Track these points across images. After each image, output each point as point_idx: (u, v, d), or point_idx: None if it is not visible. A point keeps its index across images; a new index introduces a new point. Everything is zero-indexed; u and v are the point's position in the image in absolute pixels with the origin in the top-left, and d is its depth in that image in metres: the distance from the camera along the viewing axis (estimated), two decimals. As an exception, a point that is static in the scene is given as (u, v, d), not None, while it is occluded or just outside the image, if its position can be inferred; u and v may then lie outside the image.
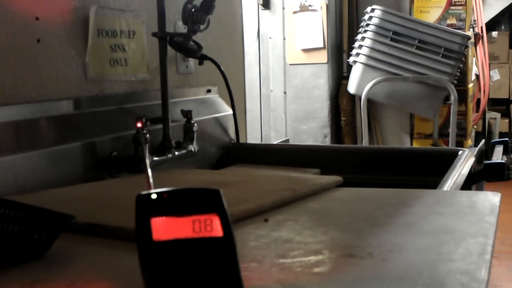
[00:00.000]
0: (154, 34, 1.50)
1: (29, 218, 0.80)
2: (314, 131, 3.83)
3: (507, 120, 6.66)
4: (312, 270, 0.73)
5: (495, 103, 6.33)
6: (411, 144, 3.95)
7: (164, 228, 0.54)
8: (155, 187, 1.08)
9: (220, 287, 0.51)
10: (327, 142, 3.84)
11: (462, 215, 0.98)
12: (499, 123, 6.10)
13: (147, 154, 0.69)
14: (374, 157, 1.84)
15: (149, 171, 0.63)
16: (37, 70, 1.31)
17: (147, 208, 0.55)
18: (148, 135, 1.42)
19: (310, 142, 3.80)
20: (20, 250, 0.78)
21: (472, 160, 1.66)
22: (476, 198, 1.11)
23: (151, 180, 0.61)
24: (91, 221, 0.90)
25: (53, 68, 1.35)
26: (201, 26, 1.49)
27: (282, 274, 0.72)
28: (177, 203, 0.56)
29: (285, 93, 3.88)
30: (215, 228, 0.55)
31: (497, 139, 2.06)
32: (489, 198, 1.09)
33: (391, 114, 3.92)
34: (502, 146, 1.96)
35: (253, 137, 3.85)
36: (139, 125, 0.76)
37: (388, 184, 1.62)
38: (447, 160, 1.68)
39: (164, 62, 1.51)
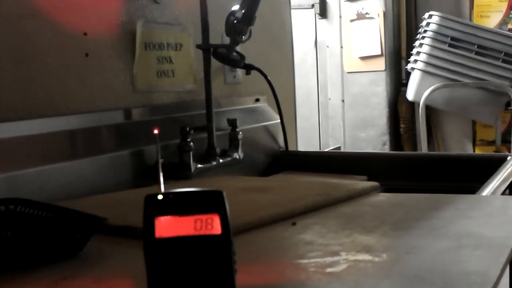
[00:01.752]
0: (198, 46, 1.55)
1: (64, 220, 0.86)
2: (372, 138, 3.82)
3: None
4: (325, 270, 0.75)
5: None
6: (474, 151, 3.88)
7: (167, 226, 0.58)
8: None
9: (213, 282, 0.55)
10: (386, 149, 3.82)
11: (489, 219, 0.98)
12: None
13: (159, 158, 0.73)
14: (421, 164, 1.83)
15: (161, 175, 0.67)
16: (86, 82, 1.38)
17: (153, 208, 0.59)
18: (192, 143, 1.47)
19: (369, 149, 3.79)
20: (55, 249, 0.83)
21: (521, 166, 1.64)
22: (510, 203, 1.10)
23: (162, 183, 0.66)
24: (124, 223, 0.95)
25: (102, 80, 1.42)
26: (243, 37, 1.54)
27: (295, 274, 0.75)
28: (182, 204, 0.60)
29: (343, 101, 3.89)
30: (215, 226, 0.59)
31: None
32: (523, 203, 1.08)
33: (452, 120, 3.86)
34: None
35: (312, 144, 3.87)
36: (156, 131, 0.80)
37: (430, 190, 1.61)
38: (495, 166, 1.66)
39: (208, 72, 1.56)
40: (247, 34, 1.54)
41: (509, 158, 1.71)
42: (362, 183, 1.31)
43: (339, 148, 2.61)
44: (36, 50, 1.27)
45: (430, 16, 3.48)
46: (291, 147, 2.06)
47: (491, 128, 3.74)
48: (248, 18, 1.50)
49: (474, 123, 3.84)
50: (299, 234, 0.94)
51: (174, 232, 0.57)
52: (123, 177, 1.41)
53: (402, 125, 3.85)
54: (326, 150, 2.55)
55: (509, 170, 1.53)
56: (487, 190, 1.33)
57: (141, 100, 1.54)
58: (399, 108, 3.85)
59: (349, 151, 3.45)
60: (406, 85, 3.76)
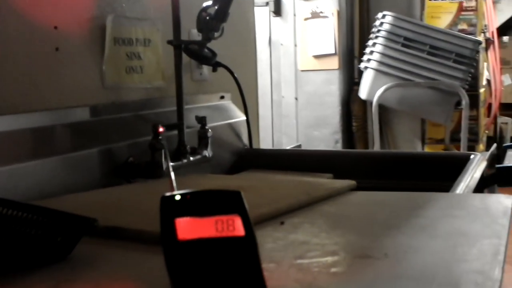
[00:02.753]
0: (169, 42, 1.52)
1: (52, 222, 0.82)
2: (326, 137, 3.85)
3: (519, 125, 6.64)
4: (329, 271, 0.74)
5: (507, 108, 6.30)
6: (423, 149, 3.96)
7: (188, 228, 0.56)
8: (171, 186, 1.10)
9: (243, 285, 0.53)
10: (339, 147, 3.86)
11: (475, 218, 1.00)
12: (511, 128, 6.08)
13: (169, 159, 0.71)
14: (386, 162, 1.85)
15: (172, 174, 0.65)
16: (55, 78, 1.33)
17: (172, 209, 0.57)
18: (164, 141, 1.44)
19: (321, 148, 3.82)
20: (43, 253, 0.80)
21: (484, 164, 1.67)
22: (489, 201, 1.12)
23: (174, 183, 0.63)
24: (112, 224, 0.92)
25: (71, 76, 1.37)
26: (215, 33, 1.51)
27: (300, 274, 0.73)
28: (200, 204, 0.58)
29: (296, 99, 3.91)
30: (237, 228, 0.57)
31: (509, 143, 2.06)
32: (501, 201, 1.10)
33: (403, 119, 3.93)
34: (514, 150, 1.96)
35: (265, 143, 3.87)
36: (161, 129, 0.78)
37: (401, 188, 1.62)
38: (459, 164, 1.69)
39: (179, 69, 1.53)
40: (220, 31, 1.52)
41: (472, 156, 1.74)
42: (339, 182, 1.31)
43: (299, 146, 2.62)
44: (4, 44, 1.22)
45: (384, 16, 3.52)
46: (254, 145, 2.05)
47: (441, 127, 3.82)
48: (221, 14, 1.48)
49: (423, 122, 3.92)
50: (291, 234, 0.93)
51: (196, 234, 0.55)
52: (93, 177, 1.37)
53: (354, 124, 3.89)
54: (288, 148, 2.55)
55: (477, 168, 1.56)
56: (459, 188, 1.35)
57: (110, 97, 1.50)
58: (351, 107, 3.90)
59: (312, 149, 3.46)
60: (358, 84, 3.80)
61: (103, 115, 1.46)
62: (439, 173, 1.74)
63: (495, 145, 2.20)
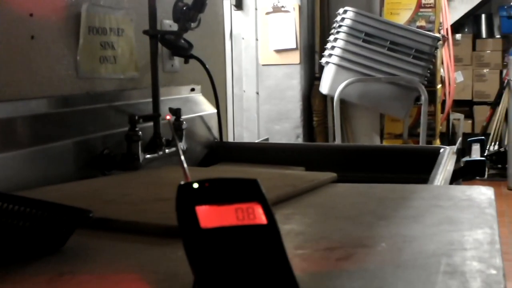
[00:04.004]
0: (145, 32, 1.50)
1: (46, 213, 0.80)
2: (287, 131, 3.86)
3: (470, 121, 6.79)
4: (333, 260, 0.74)
5: (459, 105, 6.45)
6: (381, 143, 4.01)
7: (209, 216, 0.55)
8: (153, 185, 1.09)
9: (270, 273, 0.52)
10: (300, 142, 3.87)
11: (463, 208, 1.01)
12: (463, 124, 6.22)
13: (179, 145, 0.69)
14: (358, 155, 1.87)
15: (185, 163, 0.63)
16: (31, 67, 1.30)
17: (191, 197, 0.56)
18: (140, 132, 1.42)
19: (283, 142, 3.83)
20: (37, 245, 0.77)
21: (454, 157, 1.70)
22: (471, 192, 1.13)
23: (187, 170, 0.62)
24: (102, 216, 0.89)
25: (47, 65, 1.34)
26: (192, 24, 1.50)
27: (305, 264, 0.73)
28: (219, 192, 0.57)
29: (257, 93, 3.90)
30: (258, 216, 0.56)
31: (473, 138, 2.10)
32: (484, 192, 1.12)
33: (362, 114, 3.97)
34: (478, 144, 2.00)
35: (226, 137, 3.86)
36: (168, 117, 0.76)
37: (375, 181, 1.65)
38: (429, 158, 1.72)
39: (155, 59, 1.51)
40: (197, 22, 1.50)
41: (441, 150, 1.77)
42: (320, 174, 1.31)
43: (267, 139, 2.62)
44: (-21, 30, 1.18)
45: (345, 12, 3.55)
46: (224, 139, 2.04)
47: (399, 122, 3.88)
48: (199, 4, 1.46)
49: (382, 117, 3.97)
50: (285, 225, 0.92)
51: (217, 222, 0.54)
52: (68, 168, 1.34)
53: (315, 118, 3.92)
54: (257, 141, 2.55)
55: (449, 161, 1.58)
56: (436, 180, 1.37)
57: (84, 87, 1.47)
58: (312, 102, 3.92)
59: (282, 142, 3.47)
60: (319, 79, 3.82)
61: (78, 106, 1.43)
62: (411, 166, 1.76)
63: (460, 139, 2.24)
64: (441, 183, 1.36)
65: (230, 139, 3.85)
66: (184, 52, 1.56)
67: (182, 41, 1.54)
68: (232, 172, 1.38)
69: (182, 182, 0.58)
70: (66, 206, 0.80)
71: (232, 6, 3.82)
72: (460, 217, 0.95)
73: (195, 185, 0.57)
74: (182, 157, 0.63)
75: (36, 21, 1.29)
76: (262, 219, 0.56)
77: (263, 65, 3.85)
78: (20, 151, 1.22)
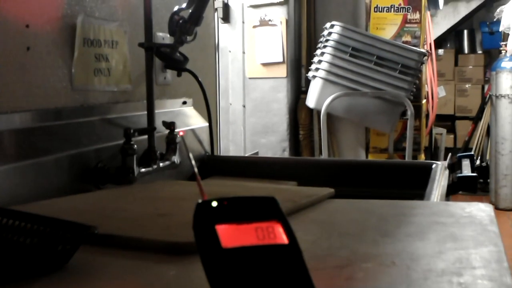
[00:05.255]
0: (140, 45, 1.49)
1: (50, 229, 0.78)
2: (273, 144, 3.85)
3: (452, 136, 6.86)
4: (343, 278, 0.73)
5: (441, 119, 6.50)
6: (366, 158, 4.02)
7: (230, 235, 0.54)
8: (150, 200, 1.07)
9: (294, 293, 0.51)
10: (286, 155, 3.86)
11: (465, 225, 1.01)
12: (445, 139, 6.27)
13: (194, 163, 0.68)
14: (349, 170, 1.86)
15: (199, 178, 0.62)
16: (26, 78, 1.28)
17: (210, 216, 0.55)
18: (135, 146, 1.40)
19: (269, 155, 3.82)
20: (42, 262, 0.76)
21: (447, 172, 1.71)
22: (471, 209, 1.14)
23: (202, 187, 0.61)
24: (103, 232, 0.88)
25: (42, 77, 1.32)
26: (188, 37, 1.49)
27: (315, 282, 0.72)
28: (238, 211, 0.56)
29: (244, 106, 3.90)
30: (278, 235, 0.55)
31: (463, 153, 2.10)
32: (483, 209, 1.12)
33: (348, 128, 3.98)
34: (468, 160, 2.01)
35: (211, 150, 3.84)
36: (181, 133, 0.75)
37: (369, 196, 1.65)
38: (422, 173, 1.72)
39: (150, 72, 1.50)
40: (193, 35, 1.49)
41: (434, 166, 1.77)
42: (317, 189, 1.30)
43: (257, 153, 2.61)
44: (-25, 41, 1.16)
45: (332, 26, 3.56)
46: (215, 152, 2.03)
47: (384, 136, 3.89)
48: (195, 18, 1.46)
49: (368, 131, 3.98)
50: (289, 241, 0.91)
51: (238, 241, 0.53)
52: (62, 182, 1.32)
53: (301, 132, 3.92)
54: (247, 155, 2.54)
55: (442, 177, 1.58)
56: (432, 196, 1.37)
57: (79, 99, 1.45)
58: (298, 115, 3.92)
59: (273, 156, 3.46)
60: (305, 92, 3.82)
61: (72, 119, 1.41)
62: (403, 182, 1.77)
63: (450, 154, 2.26)
64: (438, 199, 1.37)
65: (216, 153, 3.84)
66: (180, 65, 1.56)
67: (178, 54, 1.53)
68: (227, 187, 1.36)
69: (200, 200, 0.57)
70: (69, 222, 0.79)
71: (219, 19, 3.82)
72: (463, 234, 0.95)
73: (214, 203, 0.56)
74: (197, 174, 0.62)
75: (32, 33, 1.28)
76: (283, 238, 0.55)
77: (249, 78, 3.85)
78: (12, 164, 1.20)
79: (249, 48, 3.81)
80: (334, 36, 3.54)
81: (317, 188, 1.34)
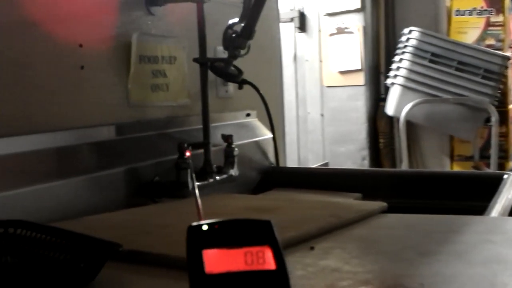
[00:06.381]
0: (195, 60, 1.50)
1: (75, 246, 0.80)
2: (352, 153, 3.80)
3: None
4: (363, 302, 0.71)
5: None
6: (451, 166, 3.89)
7: (216, 260, 0.53)
8: (194, 214, 1.08)
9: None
10: (366, 164, 3.80)
11: (515, 243, 0.95)
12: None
13: (195, 181, 0.68)
14: (416, 181, 1.81)
15: (199, 200, 0.62)
16: (81, 96, 1.32)
17: (199, 240, 0.54)
18: (191, 160, 1.41)
19: (348, 164, 3.77)
20: (66, 279, 0.77)
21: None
22: (528, 225, 1.07)
23: (201, 208, 0.61)
24: (134, 248, 0.89)
25: (97, 95, 1.36)
26: (241, 51, 1.49)
27: (332, 306, 0.70)
28: (229, 235, 0.55)
29: (322, 115, 3.87)
30: (268, 260, 0.54)
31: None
32: (542, 225, 1.05)
33: (430, 136, 3.86)
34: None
35: (290, 159, 3.83)
36: (187, 154, 0.76)
37: (432, 208, 1.59)
38: (491, 185, 1.64)
39: (205, 87, 1.51)
40: (246, 49, 1.49)
41: (505, 176, 1.69)
42: (369, 204, 1.27)
43: (327, 164, 2.58)
44: (30, 62, 1.20)
45: (411, 32, 3.48)
46: (281, 163, 2.02)
47: (468, 143, 3.75)
48: (248, 32, 1.46)
49: (451, 138, 3.85)
50: (321, 260, 0.89)
51: (224, 267, 0.52)
52: (118, 196, 1.35)
53: (381, 140, 3.84)
54: (314, 166, 2.51)
55: (511, 190, 1.50)
56: (494, 211, 1.30)
57: (135, 115, 1.48)
58: (378, 123, 3.84)
59: (339, 167, 3.42)
60: (384, 100, 3.75)
61: (128, 134, 1.45)
62: (470, 193, 1.69)
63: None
64: (500, 213, 1.30)
65: (295, 162, 3.83)
66: (234, 78, 1.56)
67: (232, 68, 1.53)
68: (277, 200, 1.35)
69: (193, 224, 0.56)
70: (95, 239, 0.80)
71: (296, 28, 3.81)
72: (509, 254, 0.89)
73: (205, 227, 0.55)
74: (198, 196, 0.62)
75: (86, 52, 1.32)
76: (271, 264, 0.53)
77: (327, 86, 3.82)
78: (71, 180, 1.24)
79: (325, 56, 3.78)
80: (413, 42, 3.46)
81: (369, 202, 1.31)
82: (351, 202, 1.33)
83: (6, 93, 1.16)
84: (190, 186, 1.43)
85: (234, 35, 1.48)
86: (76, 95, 1.30)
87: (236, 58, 1.51)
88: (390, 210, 1.41)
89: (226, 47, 1.51)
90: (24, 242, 0.90)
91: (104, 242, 0.81)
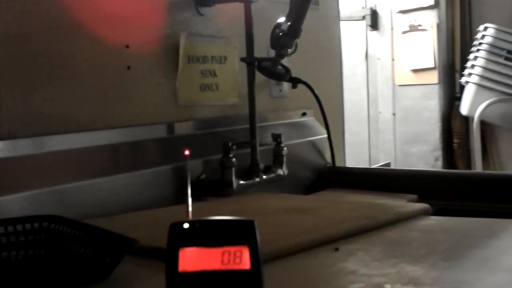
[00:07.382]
0: (242, 59, 1.52)
1: (95, 241, 0.83)
2: (424, 154, 3.71)
3: None
4: (366, 305, 0.70)
5: None
6: (530, 168, 3.73)
7: (192, 259, 0.53)
8: (232, 213, 1.09)
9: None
10: (439, 165, 3.71)
11: (549, 250, 0.91)
12: None
13: (189, 181, 0.69)
14: (475, 183, 1.74)
15: (190, 200, 0.63)
16: (128, 96, 1.36)
17: (178, 238, 0.55)
18: (234, 159, 1.43)
19: (420, 165, 3.69)
20: (85, 273, 0.80)
21: None
22: None
23: (190, 208, 0.61)
24: (154, 245, 0.91)
25: (144, 94, 1.39)
26: (288, 50, 1.49)
27: (333, 308, 0.69)
28: (209, 234, 0.55)
29: (394, 114, 3.80)
30: (244, 260, 0.54)
31: None
32: None
33: (508, 136, 3.72)
34: None
35: (361, 159, 3.79)
36: (186, 153, 0.77)
37: (485, 212, 1.53)
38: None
39: (252, 86, 1.52)
40: (293, 48, 1.49)
41: None
42: (411, 205, 1.24)
43: (388, 164, 2.54)
44: (77, 62, 1.25)
45: (486, 29, 3.37)
46: (338, 163, 2.00)
47: (549, 144, 3.59)
48: (293, 31, 1.45)
49: (530, 139, 3.69)
50: (341, 262, 0.88)
51: (199, 266, 0.53)
52: (164, 193, 1.38)
53: (455, 141, 3.73)
54: (374, 166, 2.48)
55: None
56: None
57: (184, 115, 1.51)
58: (452, 123, 3.74)
59: (398, 168, 3.36)
60: (460, 99, 3.65)
61: (176, 133, 1.47)
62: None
63: None
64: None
65: (366, 161, 3.79)
66: (281, 78, 1.56)
67: (279, 67, 1.53)
68: (319, 201, 1.35)
69: (174, 222, 0.57)
70: (113, 234, 0.83)
71: (368, 26, 3.76)
72: (539, 261, 0.86)
73: (185, 225, 0.56)
74: (189, 197, 0.63)
75: (132, 52, 1.35)
76: (246, 264, 0.53)
77: (399, 85, 3.75)
78: (117, 176, 1.28)
79: (398, 54, 3.72)
80: (488, 39, 3.35)
81: (411, 204, 1.28)
82: (391, 204, 1.30)
83: (56, 93, 1.21)
84: (235, 185, 1.44)
85: (281, 34, 1.48)
86: (122, 94, 1.34)
87: (283, 57, 1.51)
88: (442, 212, 1.38)
89: (273, 46, 1.51)
90: (55, 236, 0.94)
91: (121, 237, 0.83)
